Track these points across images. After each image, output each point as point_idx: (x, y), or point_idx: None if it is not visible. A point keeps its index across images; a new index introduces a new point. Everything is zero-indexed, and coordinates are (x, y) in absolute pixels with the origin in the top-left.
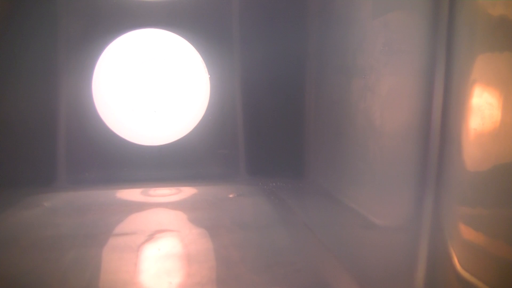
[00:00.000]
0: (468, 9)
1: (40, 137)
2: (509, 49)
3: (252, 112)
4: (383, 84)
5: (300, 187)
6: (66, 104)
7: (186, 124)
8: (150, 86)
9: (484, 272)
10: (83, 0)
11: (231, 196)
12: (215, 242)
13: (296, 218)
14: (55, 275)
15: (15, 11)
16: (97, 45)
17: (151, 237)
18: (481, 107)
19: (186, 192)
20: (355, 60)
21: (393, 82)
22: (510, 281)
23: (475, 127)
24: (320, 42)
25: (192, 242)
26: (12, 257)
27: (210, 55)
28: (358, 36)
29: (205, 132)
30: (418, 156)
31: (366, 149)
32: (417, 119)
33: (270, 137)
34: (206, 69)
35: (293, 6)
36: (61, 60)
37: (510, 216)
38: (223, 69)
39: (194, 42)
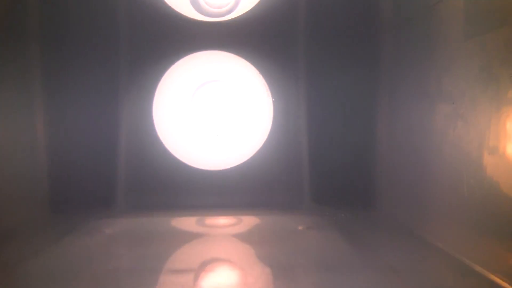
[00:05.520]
0: None
1: (100, 160)
2: None
3: (318, 136)
4: (480, 113)
5: (371, 219)
6: (127, 127)
7: (249, 148)
8: (212, 109)
9: None
10: (146, 23)
11: (300, 228)
12: (286, 285)
13: (376, 258)
14: None
15: (79, 34)
16: (158, 67)
17: (210, 274)
18: None
19: (247, 222)
20: (440, 85)
21: (493, 111)
22: None
23: None
24: (393, 65)
25: (258, 282)
26: None
27: (274, 78)
28: (443, 58)
29: (268, 157)
30: None
31: (458, 181)
32: None
33: (337, 163)
34: (269, 92)
35: (363, 28)
36: (122, 83)
37: None
38: (287, 93)
39: (257, 65)
